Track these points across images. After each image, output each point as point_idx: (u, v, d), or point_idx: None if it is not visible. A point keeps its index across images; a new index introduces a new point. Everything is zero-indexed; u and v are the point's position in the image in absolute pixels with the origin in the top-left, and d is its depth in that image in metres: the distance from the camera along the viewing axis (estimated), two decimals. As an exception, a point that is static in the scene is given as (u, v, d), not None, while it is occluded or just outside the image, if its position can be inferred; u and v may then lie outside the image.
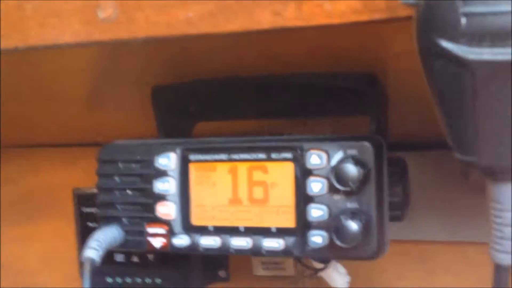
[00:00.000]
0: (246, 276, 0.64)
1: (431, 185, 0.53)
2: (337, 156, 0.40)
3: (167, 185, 0.45)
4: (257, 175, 0.43)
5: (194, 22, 0.35)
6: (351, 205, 0.40)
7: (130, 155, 0.46)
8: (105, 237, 0.46)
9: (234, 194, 0.44)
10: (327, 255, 0.41)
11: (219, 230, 0.44)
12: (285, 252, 0.42)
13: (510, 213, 0.30)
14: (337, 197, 0.40)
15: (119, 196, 0.47)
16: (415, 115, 0.49)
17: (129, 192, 0.47)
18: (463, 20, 0.25)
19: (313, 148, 0.41)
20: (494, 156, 0.28)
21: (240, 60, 0.45)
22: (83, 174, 0.68)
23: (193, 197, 0.45)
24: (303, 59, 0.44)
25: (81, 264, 0.45)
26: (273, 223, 0.43)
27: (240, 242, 0.43)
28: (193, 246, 0.44)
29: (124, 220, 0.47)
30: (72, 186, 0.66)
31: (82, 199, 0.65)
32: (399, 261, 0.58)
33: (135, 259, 0.62)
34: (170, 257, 0.59)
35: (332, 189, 0.40)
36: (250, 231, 0.43)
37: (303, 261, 0.54)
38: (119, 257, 0.62)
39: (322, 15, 0.33)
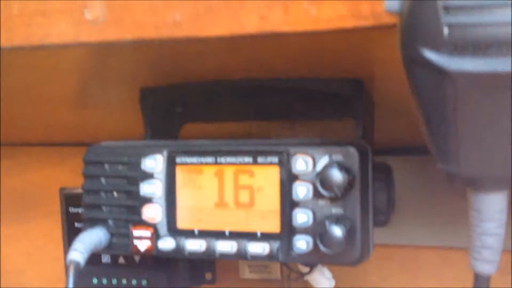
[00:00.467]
0: (232, 278, 0.64)
1: (416, 190, 0.54)
2: (323, 161, 0.40)
3: (153, 188, 0.45)
4: (243, 179, 0.43)
5: (181, 25, 0.35)
6: (336, 210, 0.40)
7: (117, 156, 0.46)
8: (90, 240, 0.45)
9: (220, 198, 0.44)
10: (311, 260, 0.41)
11: (204, 234, 0.44)
12: (270, 257, 0.42)
13: (489, 223, 0.30)
14: (322, 202, 0.40)
15: (105, 198, 0.47)
16: (400, 120, 0.49)
17: (115, 194, 0.46)
18: (446, 30, 0.25)
19: (299, 153, 0.41)
20: (474, 166, 0.28)
21: (228, 63, 0.45)
22: (70, 174, 0.68)
23: (179, 200, 0.45)
24: (290, 64, 0.44)
25: (66, 266, 0.45)
26: (259, 228, 0.43)
27: (225, 246, 0.43)
28: (178, 250, 0.44)
29: (110, 222, 0.47)
30: (59, 185, 0.65)
31: (69, 199, 0.65)
32: (384, 265, 0.58)
33: (121, 260, 0.62)
34: (157, 258, 0.59)
35: (317, 194, 0.40)
36: (235, 235, 0.43)
37: (289, 265, 0.54)
38: (105, 258, 0.62)
39: (308, 21, 0.33)
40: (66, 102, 0.58)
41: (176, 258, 0.58)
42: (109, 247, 0.47)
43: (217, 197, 0.44)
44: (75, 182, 0.55)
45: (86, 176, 0.47)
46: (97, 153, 0.47)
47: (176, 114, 0.53)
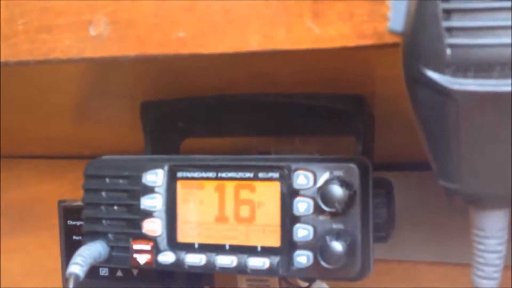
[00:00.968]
0: (231, 291, 0.64)
1: (416, 206, 0.54)
2: (324, 177, 0.41)
3: (154, 202, 0.45)
4: (244, 194, 0.43)
5: (185, 42, 0.36)
6: (337, 226, 0.40)
7: (118, 170, 0.46)
8: (90, 253, 0.45)
9: (220, 212, 0.44)
10: (311, 275, 0.42)
11: (204, 248, 0.44)
12: (270, 272, 0.42)
13: (492, 240, 0.30)
14: (322, 217, 0.41)
15: (105, 211, 0.47)
16: (400, 136, 0.49)
17: (115, 207, 0.47)
18: (448, 51, 0.26)
19: (300, 169, 0.41)
20: (476, 184, 0.29)
21: (229, 78, 0.45)
22: (69, 187, 0.68)
23: (180, 214, 0.45)
24: (291, 79, 0.44)
25: (65, 279, 0.45)
26: (259, 242, 0.43)
27: (225, 260, 0.43)
28: (178, 263, 0.44)
29: (110, 235, 0.47)
30: (57, 198, 0.65)
31: (67, 211, 0.65)
32: (383, 280, 0.58)
33: (119, 273, 0.62)
34: (155, 271, 0.59)
35: (318, 210, 0.41)
36: (235, 250, 0.43)
37: (288, 279, 0.54)
38: (104, 271, 0.62)
39: (311, 40, 0.33)
40: (66, 115, 0.58)
41: (174, 271, 0.58)
42: (108, 260, 0.47)
43: (217, 212, 0.44)
44: (74, 195, 0.55)
45: (87, 189, 0.48)
46: (98, 167, 0.47)
47: (177, 129, 0.53)
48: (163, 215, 0.45)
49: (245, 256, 0.43)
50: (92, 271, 0.47)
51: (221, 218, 0.44)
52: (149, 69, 0.45)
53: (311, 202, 0.41)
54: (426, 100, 0.27)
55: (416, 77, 0.27)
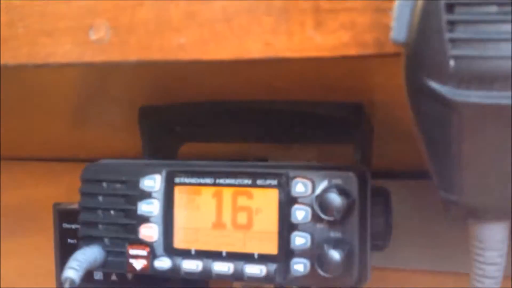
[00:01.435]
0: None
1: (413, 214, 0.54)
2: (322, 185, 0.41)
3: (151, 207, 0.45)
4: (242, 201, 0.43)
5: (186, 48, 0.36)
6: (334, 234, 0.40)
7: (115, 175, 0.46)
8: (85, 257, 0.45)
9: (218, 219, 0.44)
10: (308, 283, 0.41)
11: (201, 254, 0.44)
12: (267, 279, 0.42)
13: (491, 252, 0.30)
14: (320, 225, 0.41)
15: (102, 216, 0.47)
16: (398, 145, 0.49)
17: (112, 212, 0.46)
18: (452, 63, 0.26)
19: (298, 176, 0.41)
20: (477, 197, 0.29)
21: (229, 85, 0.45)
22: (65, 190, 0.68)
23: (177, 220, 0.45)
24: (291, 87, 0.44)
25: (60, 284, 0.44)
26: (256, 249, 0.43)
27: (222, 267, 0.43)
28: (175, 269, 0.44)
29: (106, 240, 0.46)
30: (53, 201, 0.65)
31: (62, 215, 0.64)
32: (379, 289, 0.58)
33: (113, 277, 0.61)
34: (149, 275, 0.58)
35: (315, 218, 0.41)
36: (232, 256, 0.43)
37: (284, 287, 0.54)
38: (98, 275, 0.62)
39: (312, 48, 0.33)
40: (63, 118, 0.58)
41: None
42: (104, 265, 0.47)
43: (215, 218, 0.44)
44: (71, 198, 0.55)
45: (83, 193, 0.47)
46: (95, 171, 0.47)
47: (174, 134, 0.53)
48: (160, 220, 0.45)
49: (242, 263, 0.43)
50: (87, 275, 0.47)
51: (218, 224, 0.44)
52: (148, 74, 0.45)
53: (309, 210, 0.41)
54: (428, 111, 0.27)
55: (418, 88, 0.27)
